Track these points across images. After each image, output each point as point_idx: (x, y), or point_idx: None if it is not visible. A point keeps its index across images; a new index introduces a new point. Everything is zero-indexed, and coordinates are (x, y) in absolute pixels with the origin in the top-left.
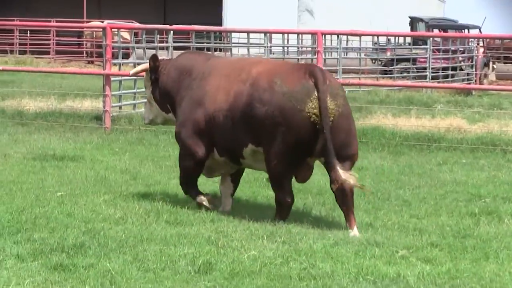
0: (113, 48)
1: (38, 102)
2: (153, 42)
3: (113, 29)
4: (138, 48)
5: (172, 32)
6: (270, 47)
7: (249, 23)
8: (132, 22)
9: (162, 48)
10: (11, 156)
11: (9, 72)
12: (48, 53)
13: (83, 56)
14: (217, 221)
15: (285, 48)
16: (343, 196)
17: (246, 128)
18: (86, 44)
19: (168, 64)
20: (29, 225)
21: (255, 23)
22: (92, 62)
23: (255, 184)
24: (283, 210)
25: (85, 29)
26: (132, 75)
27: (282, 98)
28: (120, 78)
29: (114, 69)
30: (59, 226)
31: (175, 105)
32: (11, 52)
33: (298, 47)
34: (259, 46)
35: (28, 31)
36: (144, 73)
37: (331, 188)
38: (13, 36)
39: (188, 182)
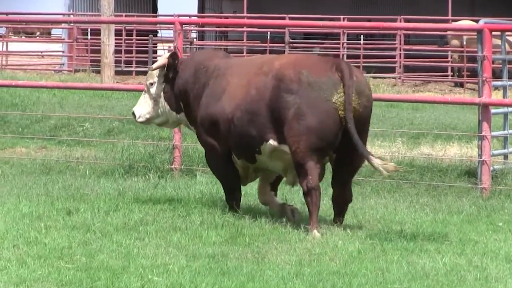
0: (494, 62)
1: (376, 148)
2: None
3: (493, 32)
4: None
5: None
6: None
7: None
8: None
9: None
10: (336, 233)
11: None
12: (393, 70)
13: (447, 76)
14: None
15: None
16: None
17: (269, 122)
18: (451, 57)
19: (186, 61)
20: None
21: None
22: (461, 85)
23: None
24: (313, 197)
25: (450, 32)
26: (153, 70)
27: (309, 88)
28: (506, 109)
29: (497, 96)
30: None
31: (189, 103)
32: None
33: None
34: None
35: (362, 36)
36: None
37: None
38: (338, 43)
39: (231, 193)
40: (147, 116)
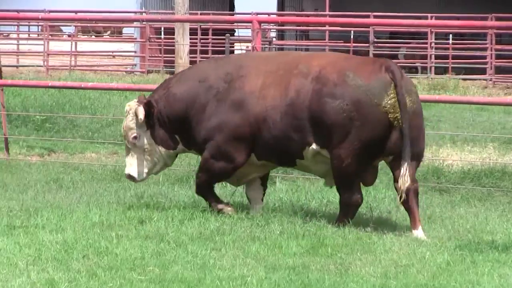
0: None
1: (466, 154)
2: None
3: None
4: None
5: None
6: None
7: None
8: None
9: None
10: (424, 243)
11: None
12: (483, 71)
13: None
14: None
15: None
16: (410, 196)
17: (311, 127)
18: None
19: (165, 92)
20: None
21: None
22: None
23: None
24: (350, 210)
25: None
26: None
27: (357, 91)
28: None
29: None
30: None
31: (191, 124)
32: (423, 70)
33: None
34: None
35: (450, 35)
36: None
37: (395, 187)
38: (426, 43)
39: (209, 187)
40: (146, 171)
